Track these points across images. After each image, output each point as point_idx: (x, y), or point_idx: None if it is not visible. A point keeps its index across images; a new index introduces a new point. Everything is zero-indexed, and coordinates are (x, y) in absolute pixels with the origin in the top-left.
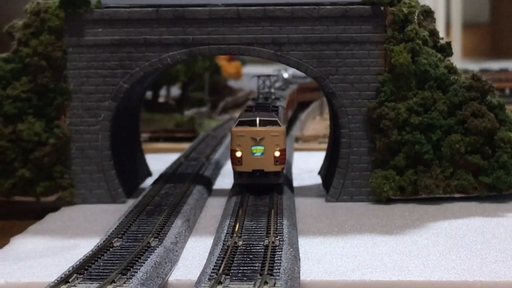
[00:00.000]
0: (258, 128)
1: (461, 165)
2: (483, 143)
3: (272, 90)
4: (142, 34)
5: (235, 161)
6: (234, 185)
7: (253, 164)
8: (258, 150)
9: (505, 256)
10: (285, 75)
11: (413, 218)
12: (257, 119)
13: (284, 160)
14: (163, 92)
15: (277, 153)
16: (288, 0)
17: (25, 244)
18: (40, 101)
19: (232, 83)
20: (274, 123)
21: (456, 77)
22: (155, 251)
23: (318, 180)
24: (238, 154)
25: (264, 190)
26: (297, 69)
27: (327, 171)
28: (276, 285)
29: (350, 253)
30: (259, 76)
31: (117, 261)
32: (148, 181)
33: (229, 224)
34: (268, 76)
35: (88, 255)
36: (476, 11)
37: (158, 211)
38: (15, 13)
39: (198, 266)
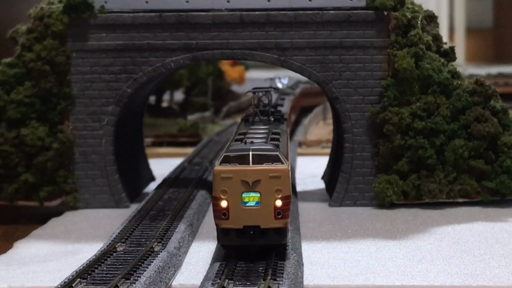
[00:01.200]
0: (251, 166)
1: (465, 170)
2: (486, 148)
3: (272, 109)
4: (146, 39)
5: (219, 214)
6: (218, 248)
7: (245, 218)
8: (251, 198)
9: (508, 261)
10: (279, 86)
11: (417, 223)
12: (250, 153)
13: (288, 212)
14: (166, 97)
15: (278, 203)
16: (291, 5)
17: (29, 248)
18: (44, 106)
19: (235, 87)
20: (274, 159)
21: (459, 82)
22: (158, 256)
23: (321, 184)
24: (223, 204)
25: (260, 256)
26: (300, 73)
27: (330, 176)
28: None
29: (353, 258)
30: (254, 92)
31: (120, 266)
32: (152, 186)
33: None
34: (266, 91)
35: (91, 259)
36: (480, 16)
37: (161, 216)
38: (18, 18)
39: (201, 271)
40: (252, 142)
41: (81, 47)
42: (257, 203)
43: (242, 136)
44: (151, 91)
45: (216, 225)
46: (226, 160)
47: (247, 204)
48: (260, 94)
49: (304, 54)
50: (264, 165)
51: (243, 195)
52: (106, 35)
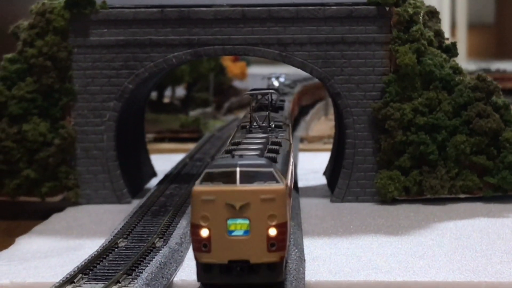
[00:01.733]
0: (238, 186)
1: (466, 166)
2: (488, 144)
3: (272, 114)
4: (147, 35)
5: (199, 246)
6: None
7: (231, 251)
8: (238, 225)
9: (510, 256)
10: (276, 84)
11: (418, 219)
12: (237, 170)
13: (285, 243)
14: (168, 92)
15: (272, 231)
16: (293, 0)
17: (30, 244)
18: (45, 102)
19: (237, 83)
20: (268, 177)
21: (461, 78)
22: (160, 251)
23: (323, 180)
24: (204, 233)
25: None
26: (302, 69)
27: (332, 172)
28: (281, 286)
29: (355, 253)
30: (252, 95)
31: (122, 262)
32: (153, 182)
33: None
34: (266, 93)
35: (93, 255)
36: (481, 11)
37: (163, 212)
38: (20, 13)
39: None
40: (241, 156)
41: (82, 43)
42: (245, 232)
43: (235, 147)
44: (153, 87)
45: (196, 259)
46: (208, 178)
47: (233, 234)
48: (259, 96)
49: (305, 49)
50: (254, 184)
51: (228, 222)
52: (108, 31)
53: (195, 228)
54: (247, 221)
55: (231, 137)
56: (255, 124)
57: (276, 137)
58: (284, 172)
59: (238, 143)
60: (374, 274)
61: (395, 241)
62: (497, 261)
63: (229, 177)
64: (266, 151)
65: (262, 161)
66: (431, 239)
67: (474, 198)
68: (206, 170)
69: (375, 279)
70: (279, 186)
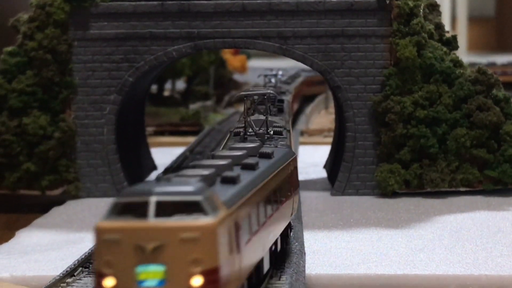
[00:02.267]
0: (150, 222)
1: (467, 159)
2: (488, 137)
3: (270, 119)
4: (147, 28)
5: None
6: None
7: None
8: (151, 274)
9: (510, 250)
10: (273, 80)
11: (419, 212)
12: (151, 199)
13: None
14: (168, 85)
15: (196, 281)
16: None
17: (30, 237)
18: (45, 95)
19: (237, 76)
20: (194, 209)
21: (461, 71)
22: None
23: (323, 174)
24: (108, 283)
25: None
26: (302, 62)
27: (332, 165)
28: (281, 279)
29: (355, 247)
30: (245, 96)
31: None
32: (153, 175)
33: None
34: (264, 94)
35: (93, 249)
36: (482, 4)
37: None
38: (20, 6)
39: None
40: (168, 179)
41: (82, 36)
42: (160, 282)
43: (195, 164)
44: (153, 80)
45: None
46: (117, 211)
47: (144, 284)
48: (256, 97)
49: (306, 43)
50: (172, 219)
51: (138, 269)
52: (108, 24)
53: (98, 277)
54: (162, 268)
55: (221, 147)
56: (250, 130)
57: (276, 146)
58: (239, 197)
59: (211, 156)
60: (374, 267)
61: (395, 235)
62: (497, 255)
63: (140, 210)
64: (241, 167)
65: (189, 187)
66: (431, 232)
67: (474, 191)
68: (115, 199)
69: (375, 272)
70: (207, 220)
